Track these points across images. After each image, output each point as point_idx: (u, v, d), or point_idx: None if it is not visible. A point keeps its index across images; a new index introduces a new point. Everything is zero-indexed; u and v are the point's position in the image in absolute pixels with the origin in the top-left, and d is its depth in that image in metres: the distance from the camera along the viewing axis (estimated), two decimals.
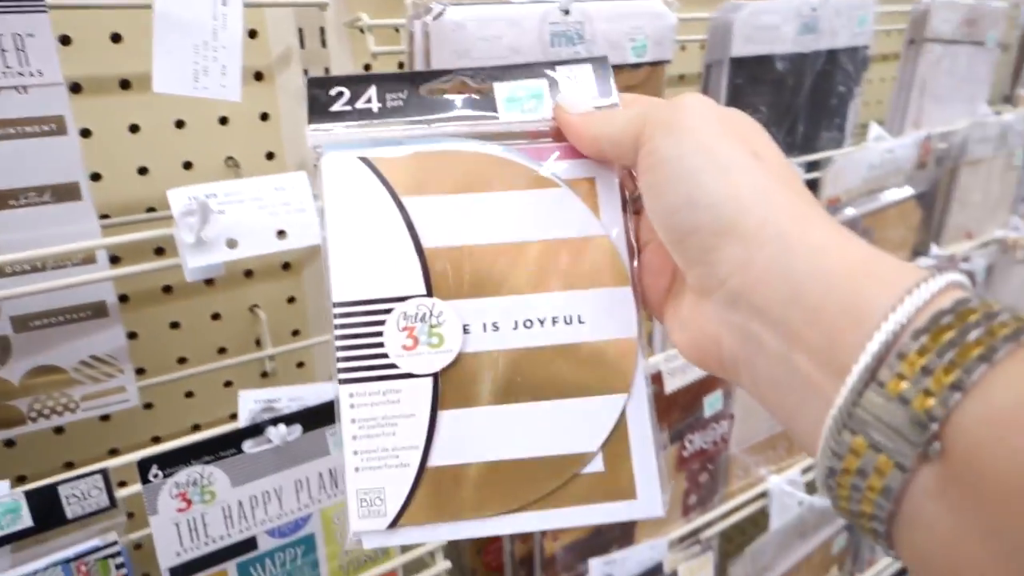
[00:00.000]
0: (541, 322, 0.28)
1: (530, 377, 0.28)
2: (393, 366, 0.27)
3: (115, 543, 0.44)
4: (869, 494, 0.19)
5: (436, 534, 0.27)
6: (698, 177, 0.24)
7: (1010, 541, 0.17)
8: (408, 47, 0.54)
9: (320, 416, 0.51)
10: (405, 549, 0.59)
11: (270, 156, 0.62)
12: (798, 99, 0.78)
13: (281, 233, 0.50)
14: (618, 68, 0.60)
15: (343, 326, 0.27)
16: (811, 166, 0.81)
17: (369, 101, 0.29)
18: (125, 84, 0.55)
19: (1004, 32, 0.99)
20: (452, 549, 0.71)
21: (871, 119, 0.88)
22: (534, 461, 0.27)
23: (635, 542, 0.72)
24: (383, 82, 0.30)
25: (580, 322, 0.28)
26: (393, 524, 0.26)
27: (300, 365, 0.70)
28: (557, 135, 0.29)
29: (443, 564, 0.59)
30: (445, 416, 0.27)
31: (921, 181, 0.92)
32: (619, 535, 0.72)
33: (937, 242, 0.97)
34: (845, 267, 0.21)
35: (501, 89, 0.30)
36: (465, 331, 0.28)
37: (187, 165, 0.59)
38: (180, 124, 0.58)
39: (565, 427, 0.28)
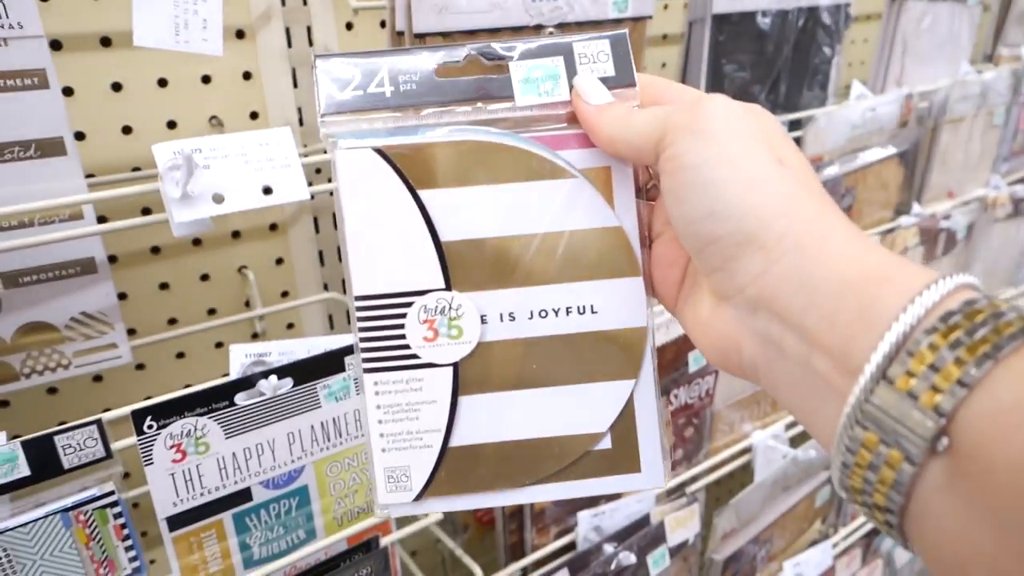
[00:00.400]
0: (556, 312, 0.29)
1: (545, 364, 0.29)
2: (415, 356, 0.28)
3: (112, 493, 0.45)
4: (881, 487, 0.20)
5: (458, 504, 0.29)
6: (721, 188, 0.24)
7: (1015, 532, 0.17)
8: (389, 2, 0.54)
9: (310, 370, 0.52)
10: None
11: (254, 116, 0.62)
12: (780, 57, 0.79)
13: (267, 189, 0.51)
14: (598, 24, 0.61)
15: (365, 319, 0.28)
16: (793, 125, 0.82)
17: (381, 84, 0.29)
18: (106, 41, 0.55)
19: None
20: None
21: (855, 80, 0.89)
22: (548, 440, 0.29)
23: (622, 495, 0.74)
24: (395, 62, 0.29)
25: (593, 312, 0.29)
26: (418, 498, 0.29)
27: (290, 326, 0.71)
28: (573, 119, 0.29)
29: (435, 515, 0.60)
30: (465, 401, 0.29)
31: (903, 140, 0.93)
32: None
33: (919, 201, 0.98)
34: (861, 273, 0.22)
35: (517, 69, 0.29)
36: (483, 321, 0.29)
37: (171, 124, 0.59)
38: (163, 83, 0.58)
39: (577, 410, 0.29)
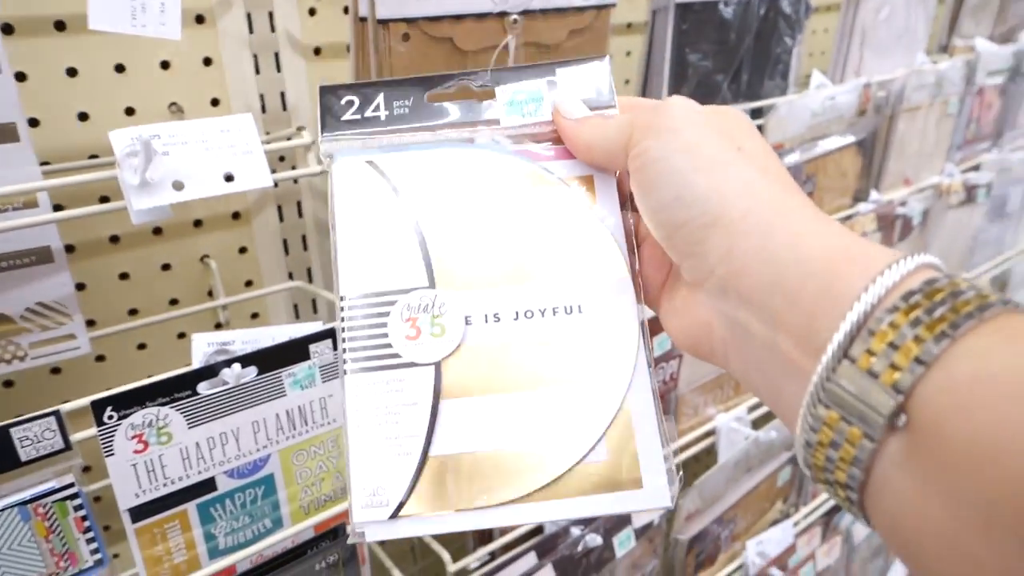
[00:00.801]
0: (542, 312, 0.29)
1: (530, 366, 0.28)
2: (397, 355, 0.28)
3: (71, 485, 0.44)
4: (841, 464, 0.20)
5: (438, 526, 0.27)
6: (684, 176, 0.25)
7: (969, 505, 0.18)
8: None
9: (275, 358, 0.51)
10: None
11: (215, 103, 0.61)
12: (743, 46, 0.80)
13: (229, 176, 0.50)
14: (562, 11, 0.61)
15: (350, 318, 0.28)
16: (755, 113, 0.83)
17: (377, 109, 0.31)
18: (60, 25, 0.54)
19: None
20: None
21: (815, 70, 0.90)
22: (536, 451, 0.28)
23: None
24: (390, 90, 0.31)
25: (580, 312, 0.29)
26: (395, 514, 0.27)
27: (255, 316, 0.70)
28: (556, 138, 0.31)
29: None
30: (446, 405, 0.28)
31: (861, 128, 0.95)
32: None
33: (877, 188, 1.00)
34: (823, 253, 0.22)
35: (502, 93, 0.31)
36: (467, 322, 0.29)
37: (129, 111, 0.58)
38: (120, 68, 0.57)
39: (566, 415, 0.28)
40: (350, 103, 0.31)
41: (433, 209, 0.30)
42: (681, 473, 0.29)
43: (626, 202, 0.30)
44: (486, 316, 0.29)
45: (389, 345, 0.28)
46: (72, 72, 0.55)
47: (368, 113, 0.30)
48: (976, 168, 1.15)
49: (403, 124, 0.31)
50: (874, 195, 0.98)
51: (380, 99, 0.31)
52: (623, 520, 0.75)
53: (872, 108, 0.94)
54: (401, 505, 0.27)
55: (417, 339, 0.28)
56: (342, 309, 0.29)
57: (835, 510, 1.02)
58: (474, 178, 0.30)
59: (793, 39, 0.84)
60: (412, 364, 0.28)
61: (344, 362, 0.28)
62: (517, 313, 0.29)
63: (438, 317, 0.29)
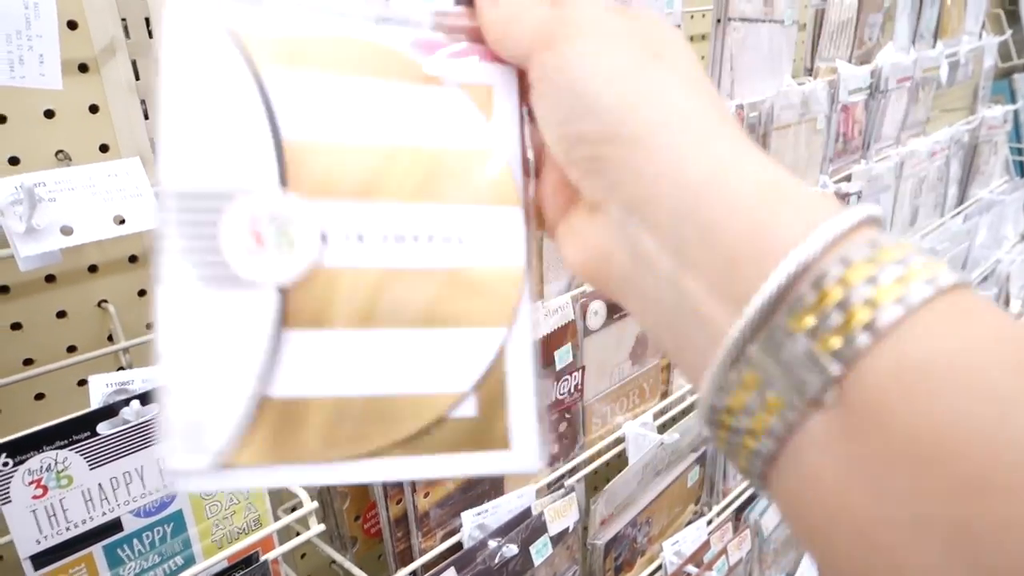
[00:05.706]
0: (415, 238, 0.24)
1: (397, 300, 0.24)
2: (229, 268, 0.22)
3: None
4: (753, 433, 0.18)
5: (273, 478, 0.23)
6: (584, 84, 0.22)
7: (900, 503, 0.16)
8: None
9: None
10: (278, 517, 0.61)
11: (104, 149, 0.62)
12: None
13: (119, 219, 0.51)
14: None
15: (172, 219, 0.22)
16: None
17: None
18: None
19: (799, 12, 1.12)
20: (330, 517, 0.74)
21: None
22: (395, 398, 0.24)
23: (505, 493, 0.77)
24: None
25: (460, 242, 0.25)
26: (221, 463, 0.22)
27: None
28: (478, 36, 0.26)
29: (317, 528, 0.61)
30: (292, 337, 0.23)
31: None
32: (490, 488, 0.78)
33: None
34: (751, 187, 0.19)
35: None
36: (323, 240, 0.23)
37: (13, 160, 0.58)
38: (1, 119, 0.57)
39: (434, 360, 0.24)
40: None
41: (294, 90, 0.23)
42: (554, 441, 0.28)
43: (523, 119, 0.27)
44: (348, 234, 0.24)
45: (220, 254, 0.22)
46: None
47: None
48: (848, 178, 1.26)
49: None
50: None
51: None
52: (538, 529, 0.77)
53: (746, 127, 1.02)
54: (229, 452, 0.22)
55: (258, 252, 0.23)
56: (162, 208, 0.22)
57: (744, 506, 1.08)
58: (352, 64, 0.24)
59: None
60: (250, 283, 0.22)
61: (159, 271, 0.22)
62: (386, 235, 0.24)
63: (286, 227, 0.23)
